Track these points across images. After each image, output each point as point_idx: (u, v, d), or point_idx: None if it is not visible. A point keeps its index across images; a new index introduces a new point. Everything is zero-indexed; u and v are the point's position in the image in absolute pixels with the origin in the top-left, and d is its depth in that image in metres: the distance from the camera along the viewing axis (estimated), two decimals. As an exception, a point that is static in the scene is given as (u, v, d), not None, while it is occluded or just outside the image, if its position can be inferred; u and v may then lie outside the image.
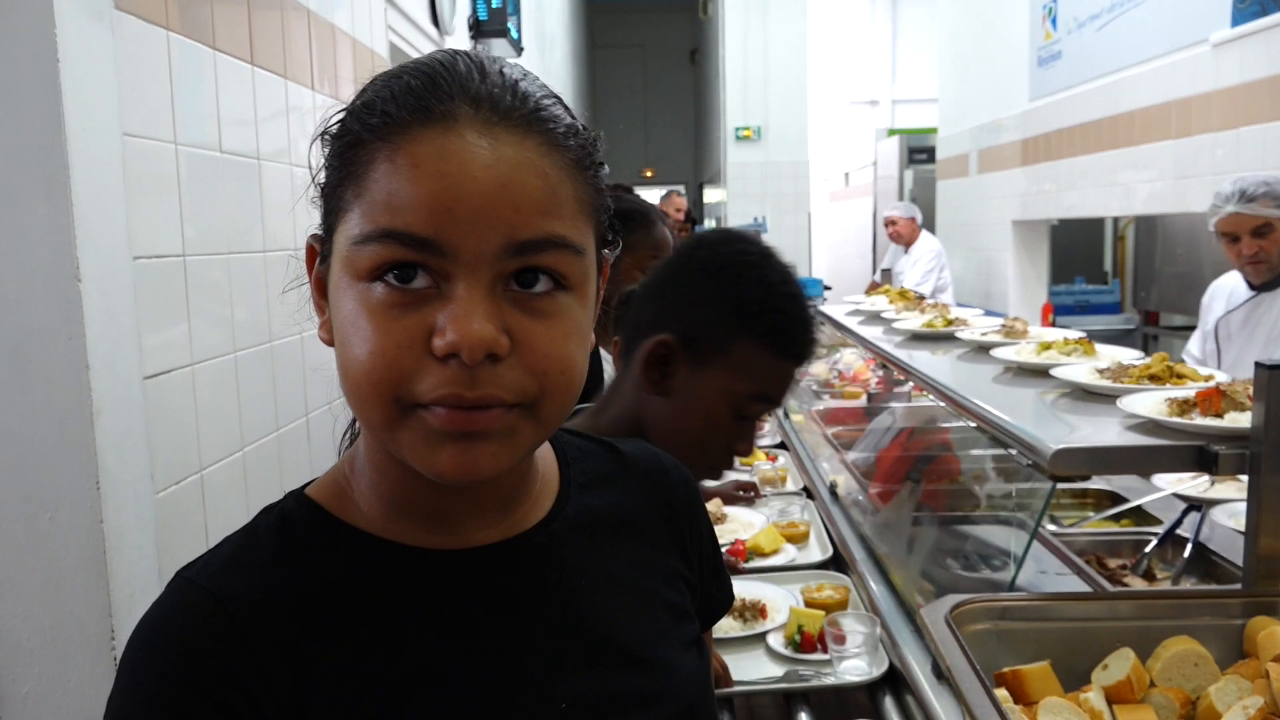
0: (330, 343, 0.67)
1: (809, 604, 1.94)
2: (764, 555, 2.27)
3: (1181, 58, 4.40)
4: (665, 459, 0.90)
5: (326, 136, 0.67)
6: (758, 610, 1.91)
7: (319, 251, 0.69)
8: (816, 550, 2.32)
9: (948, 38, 8.21)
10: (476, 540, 0.72)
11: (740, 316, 1.20)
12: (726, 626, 1.86)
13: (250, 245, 1.97)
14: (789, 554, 2.30)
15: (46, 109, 1.35)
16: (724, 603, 0.94)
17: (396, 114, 0.62)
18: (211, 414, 1.77)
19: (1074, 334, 2.28)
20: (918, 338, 2.68)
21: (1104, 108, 5.22)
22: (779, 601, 1.96)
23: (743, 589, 1.96)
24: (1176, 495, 2.09)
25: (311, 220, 0.71)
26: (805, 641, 1.78)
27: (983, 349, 2.36)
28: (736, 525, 2.44)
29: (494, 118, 0.63)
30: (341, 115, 0.66)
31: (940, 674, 1.53)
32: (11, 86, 1.35)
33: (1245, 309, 3.05)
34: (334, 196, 0.65)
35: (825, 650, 1.73)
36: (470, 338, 0.59)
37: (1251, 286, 3.01)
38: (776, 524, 2.39)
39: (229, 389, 1.85)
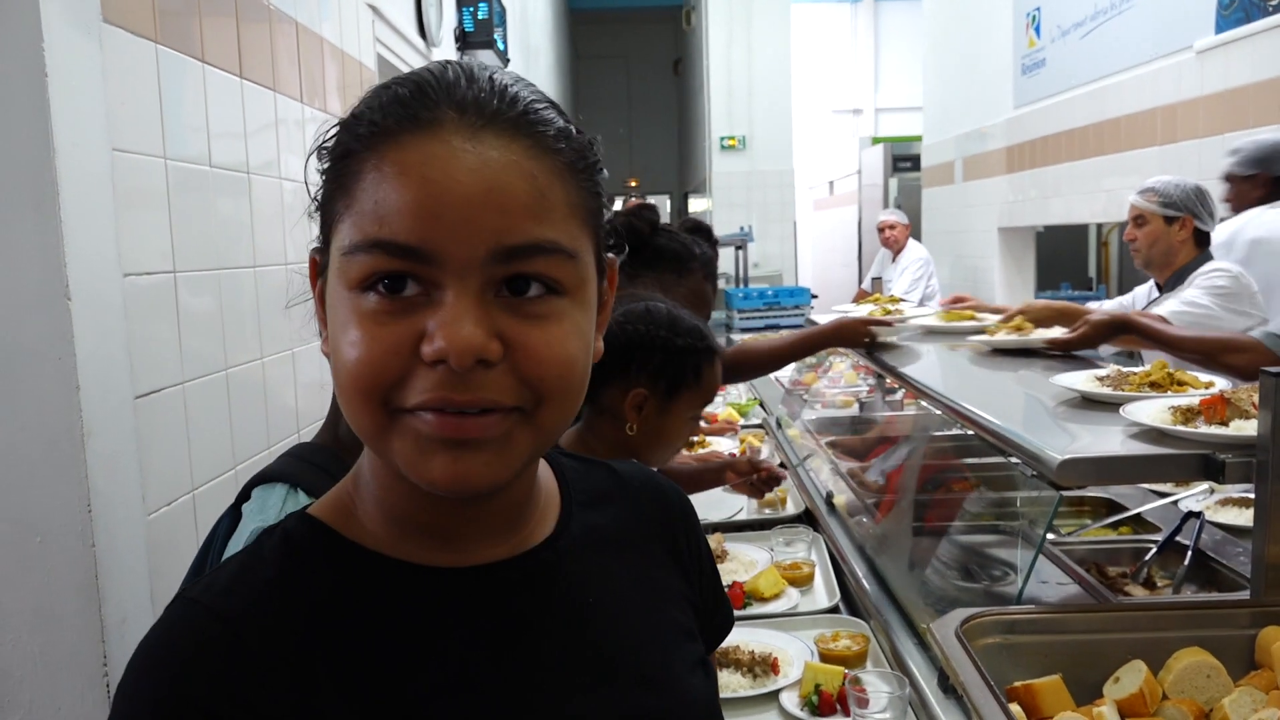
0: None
1: (824, 656, 1.77)
2: (763, 600, 2.07)
3: (1166, 64, 4.43)
4: (662, 480, 0.90)
5: (323, 151, 0.66)
6: (768, 664, 1.74)
7: (320, 264, 0.68)
8: (823, 595, 2.14)
9: (931, 46, 8.25)
10: (483, 557, 0.70)
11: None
12: (735, 684, 1.70)
13: (240, 260, 1.94)
14: (791, 599, 2.10)
15: (35, 124, 1.33)
16: (725, 627, 0.94)
17: (383, 123, 0.62)
18: (203, 433, 1.74)
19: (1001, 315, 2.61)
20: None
21: (1088, 114, 5.24)
22: (791, 654, 1.79)
23: (750, 637, 1.82)
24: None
25: (303, 233, 0.70)
26: (824, 702, 1.62)
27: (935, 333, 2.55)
28: (737, 566, 2.27)
29: (480, 121, 0.62)
30: (335, 129, 0.66)
31: (946, 688, 1.51)
32: (-2, 101, 1.32)
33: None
34: (328, 208, 0.65)
35: (846, 712, 1.58)
36: (458, 343, 0.59)
37: (1157, 286, 3.25)
38: (779, 564, 2.20)
39: (220, 407, 1.82)
